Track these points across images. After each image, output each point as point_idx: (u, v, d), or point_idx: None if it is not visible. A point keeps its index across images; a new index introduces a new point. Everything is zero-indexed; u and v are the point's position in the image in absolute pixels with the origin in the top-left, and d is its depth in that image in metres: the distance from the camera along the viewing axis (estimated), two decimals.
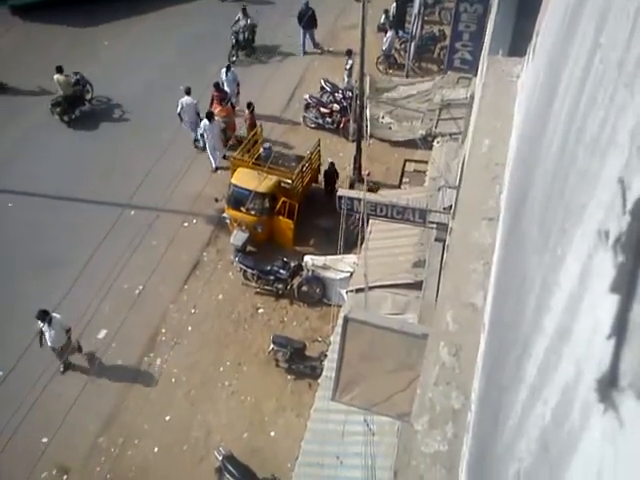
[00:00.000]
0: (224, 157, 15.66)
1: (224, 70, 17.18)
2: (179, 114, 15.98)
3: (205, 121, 15.26)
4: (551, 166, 1.99)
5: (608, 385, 0.83)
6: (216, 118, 15.54)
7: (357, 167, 14.92)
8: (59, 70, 16.90)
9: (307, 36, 19.98)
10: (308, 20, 19.52)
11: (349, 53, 17.42)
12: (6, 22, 21.09)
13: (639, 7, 1.15)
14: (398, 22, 19.60)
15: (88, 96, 17.81)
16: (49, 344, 11.18)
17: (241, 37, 19.56)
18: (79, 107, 17.48)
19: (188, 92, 15.94)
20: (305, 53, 20.20)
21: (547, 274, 1.63)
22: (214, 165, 15.79)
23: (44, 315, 10.89)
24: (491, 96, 4.29)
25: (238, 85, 17.30)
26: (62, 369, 11.53)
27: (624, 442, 0.77)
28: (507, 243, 2.88)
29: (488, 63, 5.06)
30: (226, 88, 16.95)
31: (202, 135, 15.60)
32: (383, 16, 20.35)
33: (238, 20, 19.76)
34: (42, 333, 11.08)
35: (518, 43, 7.21)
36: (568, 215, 1.48)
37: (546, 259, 1.70)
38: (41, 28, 20.87)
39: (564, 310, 1.31)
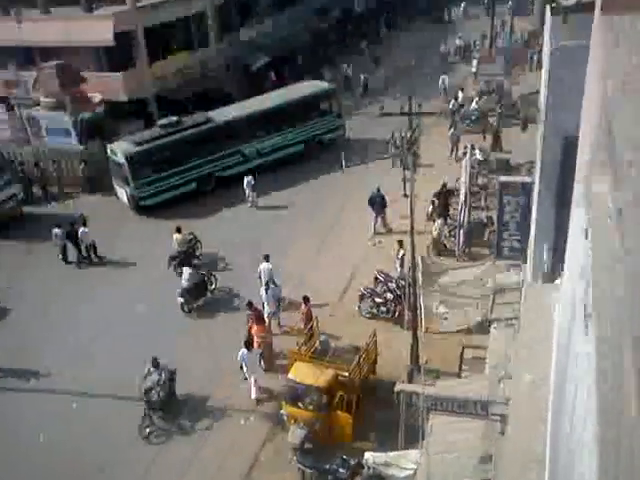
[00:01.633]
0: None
1: (263, 288, 17.04)
2: (259, 278, 17.53)
3: (243, 350, 14.54)
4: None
5: None
6: (255, 345, 15.03)
7: (414, 356, 14.83)
8: (178, 230, 20.50)
9: (378, 219, 21.43)
10: (379, 204, 21.29)
11: (400, 243, 18.25)
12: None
13: None
14: (443, 210, 20.65)
15: (198, 252, 20.82)
16: None
17: (155, 397, 14.38)
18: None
19: (267, 259, 17.75)
20: (376, 233, 21.44)
21: None
22: (254, 395, 14.88)
23: None
24: (530, 325, 4.44)
25: (279, 301, 17.10)
26: None
27: None
28: None
29: (527, 291, 5.29)
30: (266, 307, 16.73)
31: (241, 367, 14.82)
32: (430, 206, 21.48)
33: (149, 373, 14.62)
34: None
35: (560, 239, 7.50)
36: None
37: None
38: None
39: None
